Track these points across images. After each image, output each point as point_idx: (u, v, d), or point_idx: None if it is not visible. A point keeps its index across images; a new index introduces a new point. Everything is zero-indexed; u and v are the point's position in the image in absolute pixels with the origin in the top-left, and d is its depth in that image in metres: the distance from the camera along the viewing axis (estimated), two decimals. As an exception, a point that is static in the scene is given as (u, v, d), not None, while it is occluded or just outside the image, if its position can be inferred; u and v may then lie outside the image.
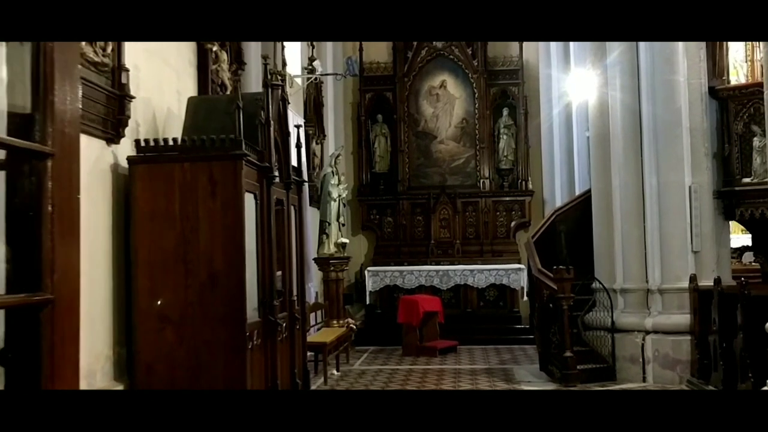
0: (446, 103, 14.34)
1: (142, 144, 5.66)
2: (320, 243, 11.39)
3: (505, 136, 14.25)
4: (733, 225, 9.64)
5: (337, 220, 11.57)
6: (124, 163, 5.61)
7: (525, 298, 12.65)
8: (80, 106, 2.04)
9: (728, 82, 8.79)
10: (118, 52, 5.50)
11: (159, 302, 5.46)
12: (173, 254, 5.50)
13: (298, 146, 7.64)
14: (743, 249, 13.30)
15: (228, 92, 7.80)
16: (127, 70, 5.57)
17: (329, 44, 13.60)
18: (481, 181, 14.21)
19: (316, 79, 12.19)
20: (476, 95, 14.16)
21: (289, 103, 7.49)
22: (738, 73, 9.25)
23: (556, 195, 13.58)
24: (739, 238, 13.50)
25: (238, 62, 8.38)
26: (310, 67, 11.83)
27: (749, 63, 9.35)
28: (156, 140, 5.69)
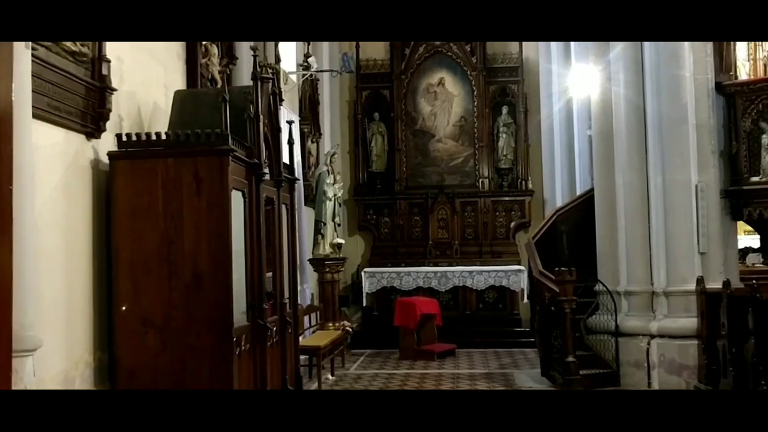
0: (444, 101, 14.08)
1: (124, 138, 5.39)
2: (315, 243, 11.17)
3: (504, 135, 14.00)
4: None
5: (333, 220, 11.35)
6: (105, 159, 5.35)
7: (525, 300, 12.42)
8: (12, 83, 1.73)
9: (736, 77, 8.53)
10: (99, 42, 5.23)
11: (123, 308, 5.21)
12: (156, 254, 5.25)
13: (290, 143, 7.36)
14: (747, 250, 13.08)
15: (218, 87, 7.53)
16: (108, 61, 5.31)
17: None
18: (480, 180, 13.96)
19: (311, 75, 11.93)
20: (475, 93, 13.92)
21: (283, 100, 7.23)
22: (740, 72, 9.02)
23: (557, 195, 13.35)
24: (742, 239, 13.25)
25: (229, 57, 8.11)
26: (305, 63, 11.55)
27: (752, 62, 9.14)
28: (138, 135, 5.42)
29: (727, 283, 7.39)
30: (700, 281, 7.94)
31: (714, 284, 7.86)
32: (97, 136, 5.29)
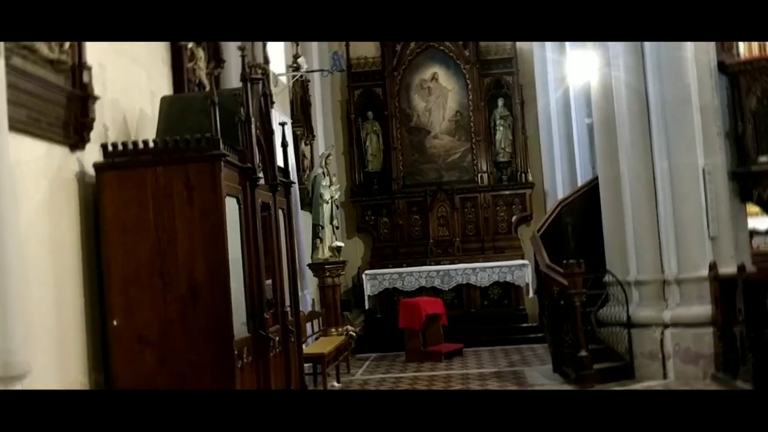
0: (439, 96, 13.87)
1: (110, 149, 5.15)
2: (314, 248, 10.94)
3: (501, 128, 13.80)
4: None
5: (331, 223, 11.12)
6: (91, 171, 5.11)
7: (531, 294, 12.21)
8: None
9: (737, 55, 8.30)
10: (78, 49, 4.98)
11: (114, 323, 4.98)
12: (149, 268, 5.00)
13: (284, 145, 7.13)
14: (751, 232, 12.86)
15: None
16: (89, 68, 5.05)
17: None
18: (479, 175, 13.76)
19: (301, 76, 11.70)
20: (469, 87, 13.71)
21: (273, 102, 6.98)
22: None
23: (558, 186, 13.15)
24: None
25: (216, 60, 7.86)
26: (294, 64, 11.33)
27: (746, 43, 8.95)
28: (125, 144, 5.17)
29: (742, 268, 7.16)
30: (712, 267, 7.71)
31: (726, 269, 7.64)
32: (82, 148, 5.04)
